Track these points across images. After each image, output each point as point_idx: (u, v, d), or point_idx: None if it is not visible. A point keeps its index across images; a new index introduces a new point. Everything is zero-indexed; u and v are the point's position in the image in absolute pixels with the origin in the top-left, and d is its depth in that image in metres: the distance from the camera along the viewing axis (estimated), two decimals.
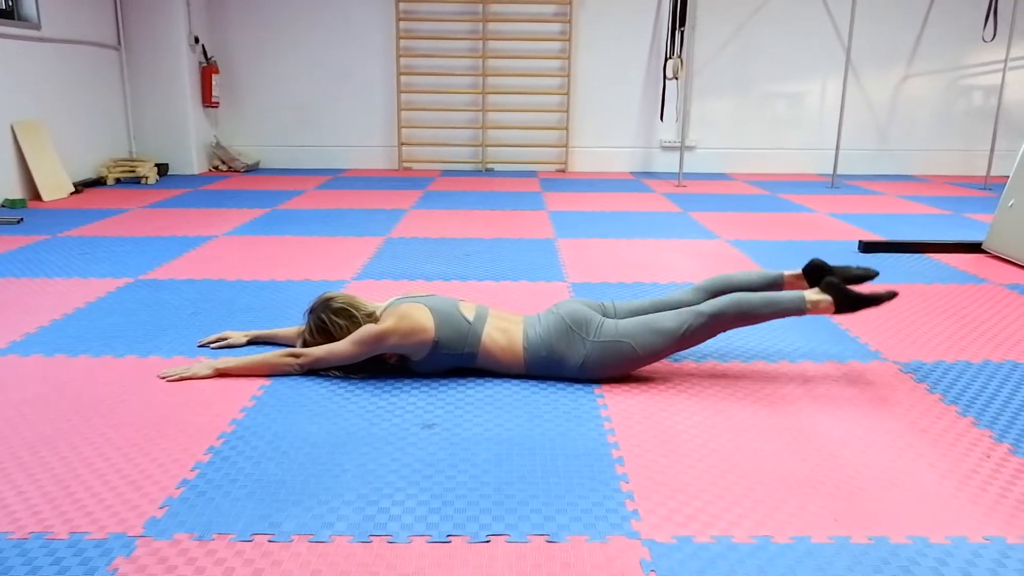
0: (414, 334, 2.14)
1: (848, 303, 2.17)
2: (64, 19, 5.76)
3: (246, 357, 2.25)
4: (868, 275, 2.29)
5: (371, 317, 2.23)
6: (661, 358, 2.21)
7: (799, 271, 2.36)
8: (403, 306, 2.19)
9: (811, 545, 1.44)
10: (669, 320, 2.17)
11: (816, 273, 2.32)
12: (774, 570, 1.36)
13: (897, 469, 1.72)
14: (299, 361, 2.20)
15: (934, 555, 1.41)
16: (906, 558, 1.40)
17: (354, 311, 2.22)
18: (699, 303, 2.31)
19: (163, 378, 2.18)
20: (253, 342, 2.48)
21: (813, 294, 2.19)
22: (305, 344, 2.27)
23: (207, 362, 2.22)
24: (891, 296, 2.21)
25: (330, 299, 2.26)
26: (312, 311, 2.26)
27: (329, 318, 2.21)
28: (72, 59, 5.87)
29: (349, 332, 2.19)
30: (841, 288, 2.17)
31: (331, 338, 2.21)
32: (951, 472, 1.71)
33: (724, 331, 2.21)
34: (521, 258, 3.72)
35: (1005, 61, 6.31)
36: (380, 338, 2.14)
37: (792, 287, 2.35)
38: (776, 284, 2.36)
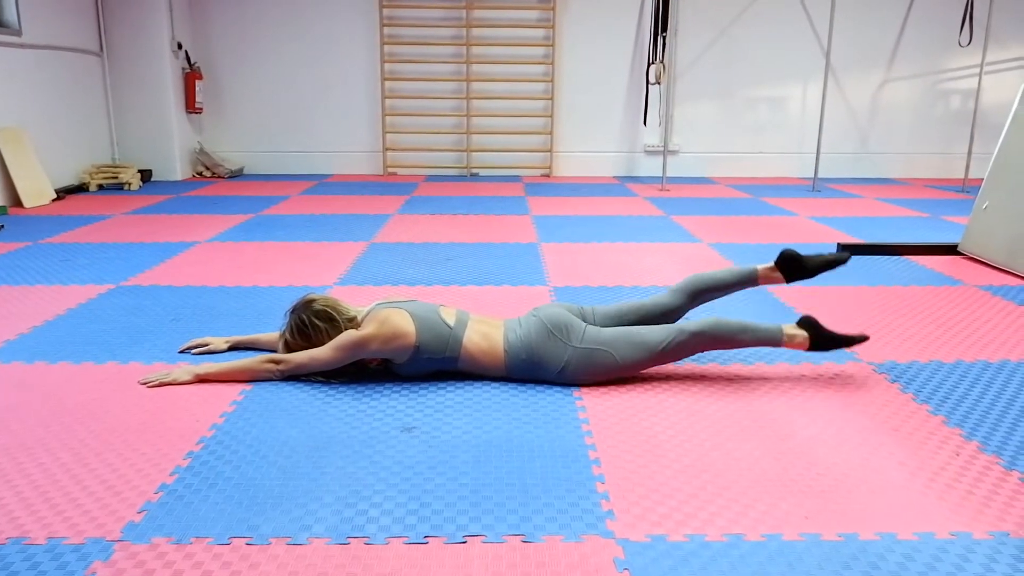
0: (395, 339, 2.15)
1: (822, 342, 2.27)
2: (46, 25, 5.74)
3: (227, 363, 2.25)
4: (839, 260, 2.35)
5: (352, 322, 2.24)
6: (639, 370, 2.24)
7: (772, 264, 2.40)
8: (384, 311, 2.20)
9: (782, 543, 1.46)
10: (652, 334, 2.20)
11: (788, 263, 2.37)
12: (745, 567, 1.39)
13: (868, 467, 1.75)
14: (280, 368, 2.21)
15: (901, 551, 1.44)
16: (874, 554, 1.43)
17: (335, 314, 2.23)
18: (677, 305, 2.37)
19: (143, 384, 2.18)
20: (234, 348, 2.48)
21: (791, 328, 2.28)
22: (285, 343, 2.27)
23: (187, 368, 2.23)
24: (863, 339, 2.28)
25: (312, 300, 2.27)
26: (293, 311, 2.26)
27: (309, 319, 2.22)
28: (54, 65, 5.85)
29: (328, 335, 2.20)
30: (817, 327, 2.27)
31: (310, 339, 2.22)
32: (920, 470, 1.74)
33: (705, 351, 2.27)
34: (504, 262, 3.74)
35: (981, 65, 6.40)
36: (361, 344, 2.15)
37: (767, 279, 2.39)
38: (751, 278, 2.40)
